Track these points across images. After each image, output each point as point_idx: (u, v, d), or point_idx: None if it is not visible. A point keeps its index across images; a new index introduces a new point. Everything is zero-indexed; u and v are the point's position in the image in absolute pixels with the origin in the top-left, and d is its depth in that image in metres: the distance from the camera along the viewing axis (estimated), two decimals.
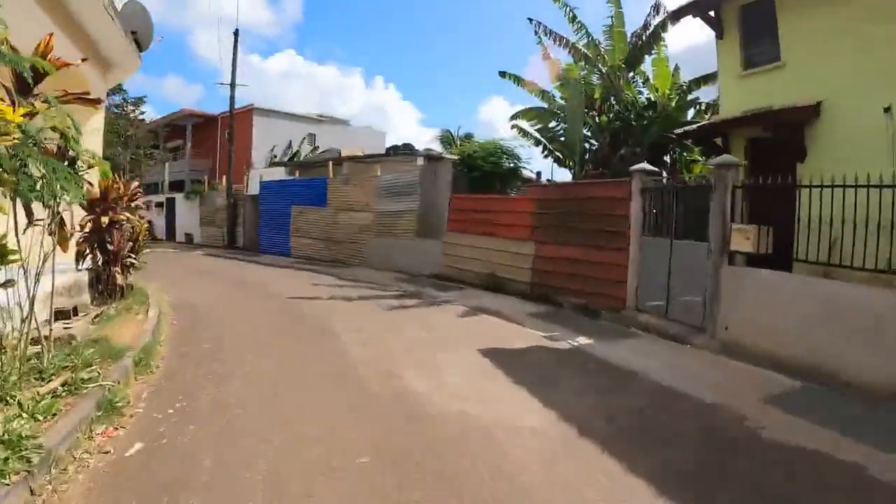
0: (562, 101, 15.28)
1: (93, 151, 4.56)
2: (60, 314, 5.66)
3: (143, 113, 17.95)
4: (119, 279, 7.59)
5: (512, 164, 15.19)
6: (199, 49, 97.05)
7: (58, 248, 4.33)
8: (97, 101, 4.31)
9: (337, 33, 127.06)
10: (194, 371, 5.27)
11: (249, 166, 25.96)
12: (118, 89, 18.67)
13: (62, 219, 4.42)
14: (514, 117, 16.30)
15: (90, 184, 4.61)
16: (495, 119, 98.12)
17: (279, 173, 21.84)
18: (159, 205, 30.00)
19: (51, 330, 4.46)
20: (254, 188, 21.29)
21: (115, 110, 17.52)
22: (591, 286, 9.47)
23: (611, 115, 14.91)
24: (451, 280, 12.51)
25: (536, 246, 10.76)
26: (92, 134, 8.87)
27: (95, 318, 6.35)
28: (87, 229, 7.21)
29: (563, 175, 16.32)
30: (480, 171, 14.40)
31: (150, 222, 9.66)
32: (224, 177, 22.57)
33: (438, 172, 14.17)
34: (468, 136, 27.85)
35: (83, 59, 4.24)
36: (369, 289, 11.25)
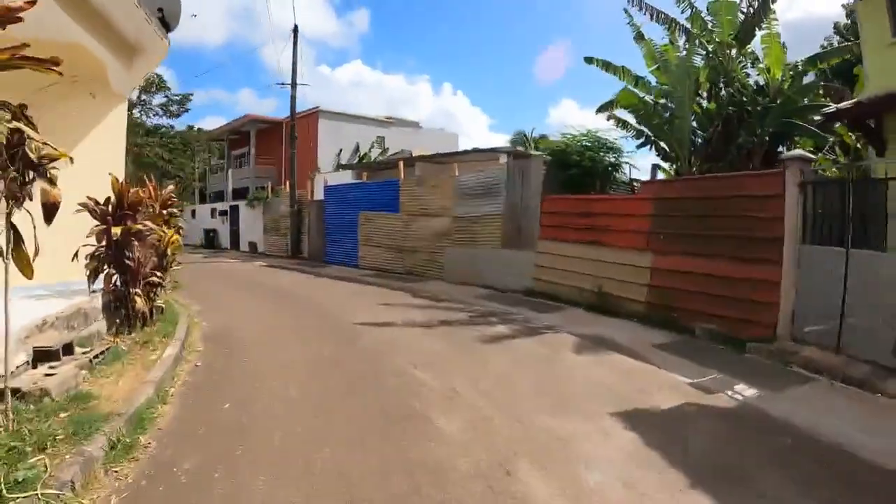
0: (661, 87, 13.46)
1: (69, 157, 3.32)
2: (46, 355, 4.46)
3: (187, 110, 17.28)
4: (140, 303, 6.40)
5: (612, 159, 13.48)
6: (270, 62, 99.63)
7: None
8: (53, 63, 3.07)
9: (404, 43, 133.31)
10: (197, 466, 3.50)
11: (314, 171, 25.27)
12: (160, 86, 17.90)
13: (16, 234, 3.23)
14: (602, 108, 14.60)
15: (51, 183, 3.36)
16: (566, 121, 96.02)
17: (346, 177, 20.92)
18: (223, 213, 30.00)
19: (6, 382, 3.25)
20: (319, 194, 20.46)
21: (160, 111, 16.94)
22: (730, 308, 7.68)
23: (722, 101, 12.98)
24: (548, 297, 10.95)
25: (655, 257, 9.06)
26: (106, 131, 8.07)
27: (96, 357, 5.09)
28: (102, 243, 6.13)
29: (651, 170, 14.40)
30: (577, 168, 12.78)
31: (179, 229, 8.66)
32: (288, 182, 21.84)
33: (528, 170, 12.66)
34: (542, 138, 26.34)
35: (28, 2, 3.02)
36: (451, 311, 9.81)
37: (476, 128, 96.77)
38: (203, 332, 7.64)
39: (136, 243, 6.31)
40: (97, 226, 6.13)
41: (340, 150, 32.08)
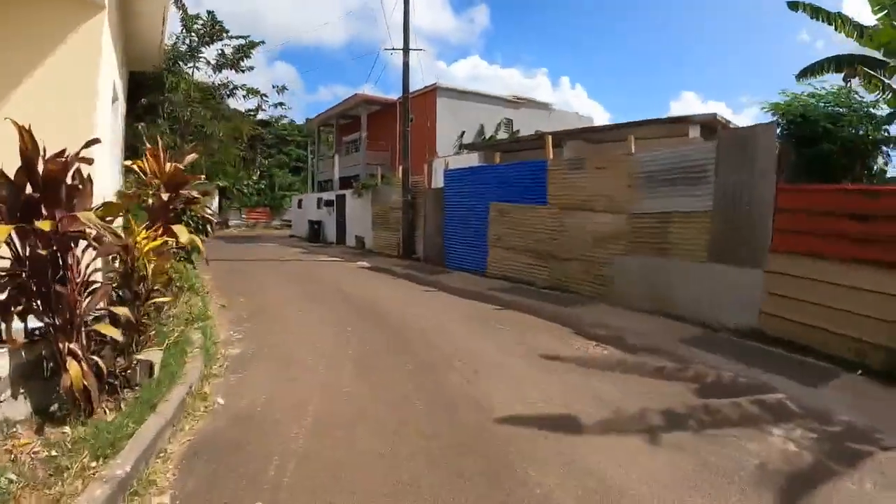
0: None
1: None
2: None
3: (251, 69, 14.41)
4: (75, 372, 3.43)
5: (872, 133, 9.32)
6: (393, 60, 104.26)
7: None
8: None
9: (522, 37, 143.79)
10: None
11: (432, 155, 22.37)
12: (214, 28, 14.92)
13: None
14: (811, 72, 10.63)
15: None
16: (689, 112, 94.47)
17: (470, 161, 17.70)
18: (329, 203, 28.01)
19: None
20: (439, 182, 17.39)
21: (214, 62, 14.19)
22: None
23: None
24: (791, 346, 7.11)
25: None
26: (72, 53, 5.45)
27: None
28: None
29: None
30: (828, 143, 8.76)
31: (205, 224, 7.09)
32: (400, 167, 19.04)
33: (751, 147, 8.67)
34: None
35: None
36: (661, 378, 6.06)
37: (596, 121, 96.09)
38: (196, 438, 4.16)
39: (76, 255, 3.33)
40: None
41: (462, 133, 29.22)
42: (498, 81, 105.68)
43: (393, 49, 19.31)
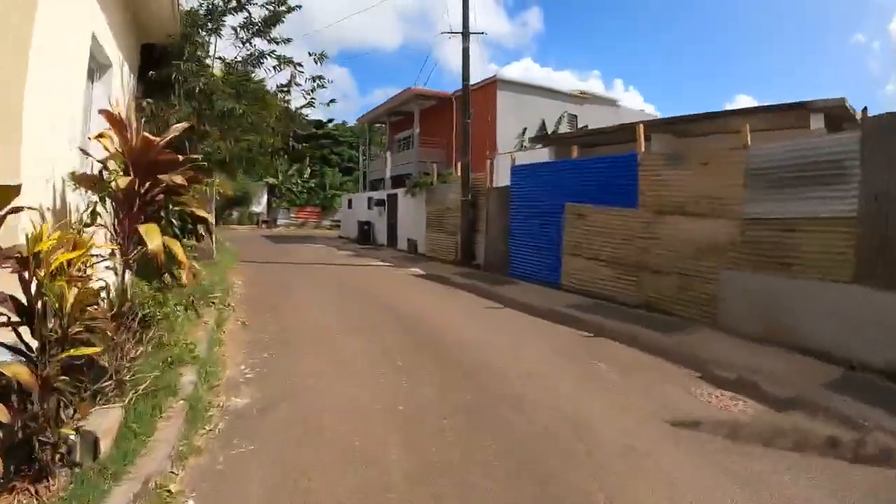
0: None
1: None
2: None
3: (287, 41, 11.76)
4: None
5: None
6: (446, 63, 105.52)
7: None
8: None
9: (574, 40, 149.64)
10: None
11: (493, 152, 21.00)
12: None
13: None
14: None
15: None
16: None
17: (537, 158, 16.25)
18: (379, 202, 27.06)
19: None
20: (501, 180, 16.02)
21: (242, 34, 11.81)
22: None
23: None
24: None
25: None
26: None
27: None
28: None
29: None
30: None
31: (196, 229, 6.14)
32: (458, 164, 17.74)
33: None
34: None
35: None
36: (817, 445, 4.66)
37: None
38: None
39: None
40: None
41: (525, 129, 27.71)
42: (551, 84, 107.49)
43: (451, 32, 17.91)
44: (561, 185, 12.56)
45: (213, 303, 8.76)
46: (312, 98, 12.24)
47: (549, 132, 28.83)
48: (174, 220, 5.72)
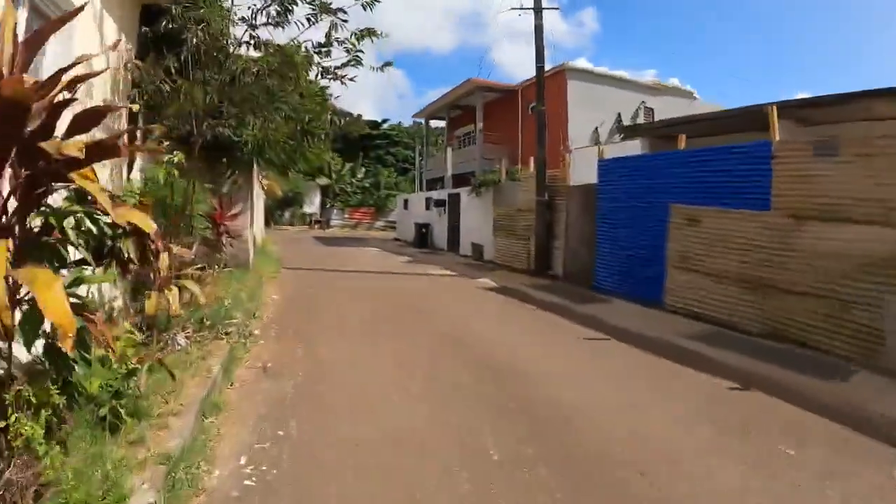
0: None
1: None
2: None
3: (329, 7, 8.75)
4: None
5: None
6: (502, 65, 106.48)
7: None
8: None
9: (630, 39, 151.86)
10: None
11: (566, 148, 19.28)
12: None
13: None
14: None
15: None
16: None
17: (624, 151, 14.47)
18: (439, 203, 25.60)
19: None
20: (578, 178, 14.28)
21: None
22: None
23: None
24: None
25: None
26: None
27: None
28: None
29: None
30: None
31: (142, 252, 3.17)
32: (530, 160, 16.08)
33: None
34: None
35: None
36: None
37: None
38: None
39: None
40: None
41: (601, 123, 25.87)
42: (623, 74, 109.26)
43: (522, 8, 16.26)
44: (664, 183, 10.72)
45: (228, 333, 6.97)
46: (358, 53, 8.66)
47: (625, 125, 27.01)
48: (79, 239, 3.17)
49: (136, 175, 8.59)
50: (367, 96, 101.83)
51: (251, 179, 13.40)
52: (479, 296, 12.83)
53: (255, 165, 13.33)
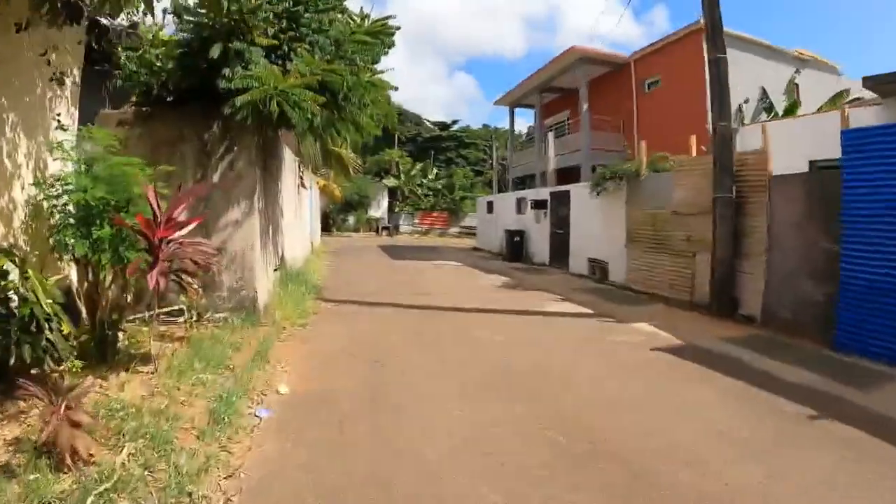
0: None
1: None
2: None
3: None
4: None
5: None
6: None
7: None
8: None
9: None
10: None
11: (700, 132, 14.46)
12: None
13: None
14: None
15: None
16: None
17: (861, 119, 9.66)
18: (539, 204, 20.94)
19: None
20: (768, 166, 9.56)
21: None
22: None
23: None
24: None
25: None
26: None
27: None
28: None
29: None
30: None
31: None
32: (693, 140, 11.38)
33: None
34: None
35: None
36: None
37: None
38: None
39: None
40: None
41: (746, 100, 21.18)
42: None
43: None
44: None
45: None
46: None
47: (766, 105, 22.30)
48: None
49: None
50: (436, 105, 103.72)
51: (263, 161, 8.96)
52: (652, 368, 7.20)
53: (278, 138, 9.58)
